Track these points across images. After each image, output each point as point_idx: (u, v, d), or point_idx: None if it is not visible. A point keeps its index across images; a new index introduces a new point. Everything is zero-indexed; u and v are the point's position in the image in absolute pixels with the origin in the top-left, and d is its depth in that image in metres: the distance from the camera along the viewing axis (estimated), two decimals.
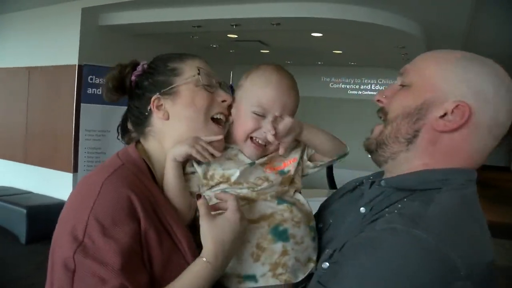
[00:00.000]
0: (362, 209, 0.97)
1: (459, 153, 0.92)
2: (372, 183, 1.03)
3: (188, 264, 1.01)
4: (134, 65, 1.25)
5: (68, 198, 1.06)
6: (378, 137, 0.98)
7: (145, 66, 1.25)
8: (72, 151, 6.12)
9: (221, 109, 1.19)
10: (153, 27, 6.67)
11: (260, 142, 1.15)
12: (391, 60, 8.50)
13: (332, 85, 10.49)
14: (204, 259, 0.99)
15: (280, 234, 1.04)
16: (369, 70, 9.95)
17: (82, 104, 5.13)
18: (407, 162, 0.94)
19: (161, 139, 1.18)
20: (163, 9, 6.09)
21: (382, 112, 0.99)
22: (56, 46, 6.49)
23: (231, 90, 1.28)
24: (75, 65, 6.14)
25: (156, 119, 1.18)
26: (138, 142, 1.24)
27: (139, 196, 1.01)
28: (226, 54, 9.27)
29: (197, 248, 1.04)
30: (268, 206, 1.07)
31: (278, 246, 1.03)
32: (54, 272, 0.95)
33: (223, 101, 1.20)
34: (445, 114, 0.90)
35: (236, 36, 7.40)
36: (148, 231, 0.99)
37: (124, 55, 6.08)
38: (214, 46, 8.55)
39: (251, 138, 1.15)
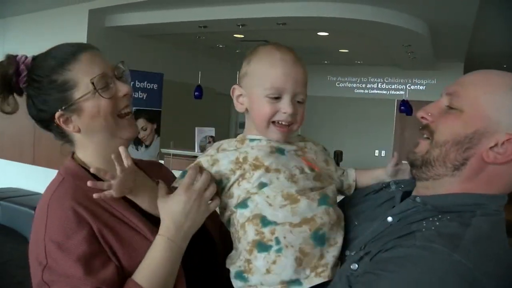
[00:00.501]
0: (390, 219, 0.98)
1: (500, 182, 0.93)
2: (404, 195, 1.04)
3: (149, 240, 1.07)
4: (12, 63, 1.16)
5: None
6: (425, 155, 0.97)
7: (27, 64, 1.16)
8: None
9: (125, 103, 1.18)
10: (159, 28, 6.72)
11: (283, 123, 1.10)
12: (397, 59, 8.50)
13: (338, 84, 10.48)
14: (160, 234, 1.05)
15: (319, 239, 1.02)
16: (375, 69, 9.94)
17: None
18: (449, 185, 0.94)
19: (85, 148, 1.18)
20: (169, 10, 6.12)
21: (428, 130, 0.98)
22: None
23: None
24: None
25: (69, 131, 1.17)
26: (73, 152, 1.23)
27: (83, 203, 1.04)
28: (233, 54, 9.29)
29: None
30: (309, 207, 1.04)
31: (317, 250, 1.02)
32: None
33: (125, 95, 1.17)
34: (496, 145, 0.90)
35: (242, 36, 7.42)
36: (102, 230, 1.03)
37: (131, 56, 6.18)
38: (220, 46, 8.58)
39: (273, 122, 1.11)
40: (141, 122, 5.52)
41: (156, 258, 1.04)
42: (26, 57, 1.16)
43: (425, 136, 0.99)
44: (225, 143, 1.16)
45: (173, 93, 7.50)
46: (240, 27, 6.34)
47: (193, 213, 1.06)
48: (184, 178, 1.08)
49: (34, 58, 1.17)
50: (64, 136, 1.19)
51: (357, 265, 0.92)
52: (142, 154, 5.52)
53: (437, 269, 0.79)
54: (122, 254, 1.04)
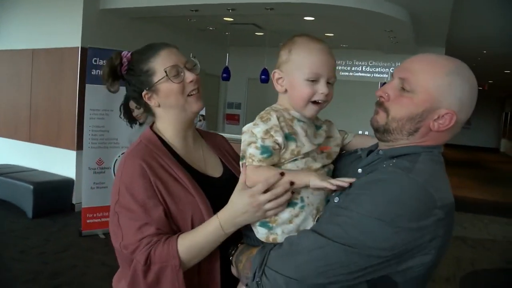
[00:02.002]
0: (360, 170, 1.32)
1: (440, 140, 1.26)
2: (369, 152, 1.37)
3: (192, 195, 1.42)
4: (118, 57, 1.55)
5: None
6: (385, 126, 1.28)
7: (128, 57, 1.55)
8: (76, 129, 6.46)
9: (192, 87, 1.53)
10: (152, 11, 6.93)
11: (320, 101, 1.33)
12: (380, 43, 8.78)
13: None
14: (219, 223, 1.33)
15: (327, 201, 1.32)
16: (359, 52, 10.24)
17: (87, 85, 5.39)
18: (403, 142, 1.28)
19: (163, 119, 1.57)
20: None
21: (382, 108, 1.29)
22: (59, 29, 6.75)
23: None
24: (78, 47, 6.43)
25: (153, 106, 1.55)
26: (153, 122, 1.62)
27: (147, 161, 1.42)
28: (222, 37, 9.51)
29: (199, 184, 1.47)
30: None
31: (326, 210, 1.30)
32: (110, 223, 1.43)
33: (191, 81, 1.52)
34: (438, 118, 1.20)
35: (231, 19, 7.64)
36: (156, 182, 1.39)
37: (125, 38, 6.48)
38: (211, 28, 8.79)
39: (312, 101, 1.33)
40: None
41: (202, 236, 1.34)
42: (128, 53, 1.56)
43: (379, 107, 1.30)
44: (279, 115, 1.33)
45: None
46: (230, 11, 6.58)
47: (248, 215, 1.29)
48: (259, 185, 1.24)
49: (132, 53, 1.56)
50: (149, 110, 1.58)
51: (338, 198, 1.24)
52: (137, 131, 5.76)
53: (400, 183, 1.13)
54: (169, 201, 1.40)
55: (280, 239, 1.27)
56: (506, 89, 19.89)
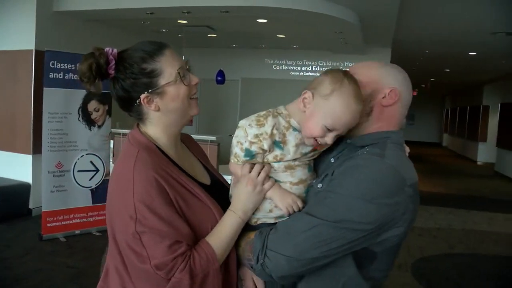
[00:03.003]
0: (332, 160, 1.53)
1: (394, 119, 1.48)
2: (338, 142, 1.56)
3: (209, 207, 1.41)
4: (103, 54, 1.39)
5: (110, 188, 1.38)
6: None
7: (114, 55, 1.40)
8: (32, 133, 6.39)
9: (195, 89, 1.47)
10: (107, 13, 6.91)
11: (320, 143, 1.41)
12: (330, 44, 9.06)
13: (275, 67, 10.92)
14: (231, 210, 1.42)
15: (307, 191, 1.47)
16: (310, 53, 10.49)
17: (44, 88, 5.36)
18: (366, 127, 1.47)
19: (158, 125, 1.45)
20: None
21: None
22: (12, 31, 6.65)
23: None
24: (32, 50, 6.37)
25: (148, 110, 1.42)
26: (137, 125, 1.50)
27: (160, 174, 1.33)
28: (176, 38, 9.55)
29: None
30: (303, 173, 1.47)
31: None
32: (126, 245, 1.29)
33: (196, 83, 1.46)
34: (384, 96, 1.44)
35: (185, 21, 7.72)
36: (176, 197, 1.33)
37: (79, 40, 6.47)
38: (164, 30, 8.83)
39: (314, 138, 1.41)
40: (93, 104, 5.74)
41: (226, 228, 1.38)
42: (113, 50, 1.40)
43: None
44: (277, 124, 1.43)
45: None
46: (186, 14, 6.66)
47: (254, 198, 1.42)
48: (252, 172, 1.42)
49: (121, 51, 1.42)
50: (139, 114, 1.44)
51: (321, 184, 1.43)
52: (95, 133, 5.79)
53: (377, 166, 1.33)
54: (189, 216, 1.35)
55: (260, 221, 1.46)
56: (447, 86, 20.75)
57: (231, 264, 1.45)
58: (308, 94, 1.42)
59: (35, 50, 6.34)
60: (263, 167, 1.44)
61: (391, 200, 1.28)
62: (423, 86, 20.54)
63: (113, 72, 1.40)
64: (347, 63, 9.98)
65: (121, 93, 1.42)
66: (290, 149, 1.43)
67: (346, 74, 1.38)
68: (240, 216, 1.41)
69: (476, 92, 18.30)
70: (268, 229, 1.39)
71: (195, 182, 1.46)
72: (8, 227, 5.98)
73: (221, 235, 1.38)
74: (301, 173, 1.48)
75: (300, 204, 1.42)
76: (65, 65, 5.50)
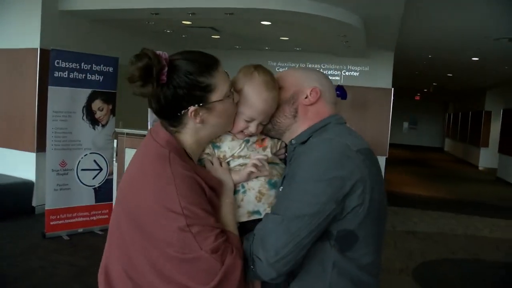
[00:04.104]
0: (287, 163, 1.59)
1: (322, 114, 1.55)
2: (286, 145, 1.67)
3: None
4: (157, 57, 1.34)
5: (137, 187, 1.37)
6: (271, 121, 1.57)
7: (167, 60, 1.36)
8: (36, 131, 6.42)
9: (236, 107, 1.50)
10: (112, 13, 6.94)
11: (247, 134, 1.54)
12: (333, 47, 9.08)
13: (278, 69, 10.85)
14: (227, 200, 1.48)
15: (273, 185, 1.52)
16: (313, 56, 10.48)
17: (49, 87, 5.39)
18: (299, 128, 1.55)
19: (194, 135, 1.45)
20: None
21: None
22: (17, 30, 6.69)
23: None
24: (37, 48, 6.41)
25: (190, 120, 1.41)
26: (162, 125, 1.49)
27: (195, 175, 1.36)
28: (179, 39, 9.59)
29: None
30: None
31: (272, 192, 1.52)
32: (167, 240, 1.28)
33: (237, 102, 1.50)
34: (307, 96, 1.53)
35: (190, 22, 7.75)
36: (211, 196, 1.39)
37: (84, 39, 6.52)
38: (168, 31, 8.85)
39: (242, 131, 1.53)
40: (97, 103, 5.78)
41: (231, 216, 1.45)
42: (164, 54, 1.36)
43: None
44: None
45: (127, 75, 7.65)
46: (190, 15, 6.71)
47: (225, 179, 1.49)
48: (209, 164, 1.52)
49: (172, 59, 1.38)
50: (179, 122, 1.43)
51: (282, 186, 1.48)
52: (99, 133, 5.82)
53: (317, 147, 1.40)
54: (216, 213, 1.40)
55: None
56: (449, 91, 20.77)
57: None
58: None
59: (40, 49, 6.37)
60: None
61: (340, 171, 1.32)
62: (426, 90, 20.58)
63: (165, 78, 1.35)
64: (350, 66, 10.02)
65: (170, 100, 1.38)
66: (228, 144, 1.54)
67: (257, 67, 1.53)
68: (228, 201, 1.47)
69: (478, 97, 18.31)
70: (253, 234, 1.41)
71: (221, 184, 1.50)
72: (11, 225, 6.01)
73: (229, 221, 1.44)
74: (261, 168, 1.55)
75: (258, 161, 1.47)
76: (70, 64, 5.54)
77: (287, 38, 8.97)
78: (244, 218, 1.51)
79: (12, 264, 4.72)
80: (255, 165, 1.46)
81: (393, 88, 9.79)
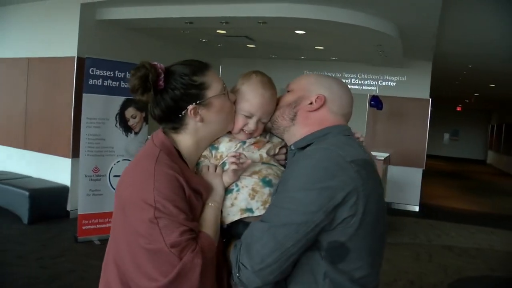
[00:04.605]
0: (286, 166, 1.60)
1: (325, 121, 1.52)
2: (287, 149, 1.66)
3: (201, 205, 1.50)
4: (153, 67, 1.47)
5: (126, 180, 1.46)
6: (272, 119, 1.61)
7: (163, 69, 1.50)
8: (71, 137, 6.58)
9: (233, 105, 1.60)
10: (148, 23, 7.09)
11: (247, 132, 1.59)
12: (369, 57, 8.97)
13: None
14: (207, 204, 1.51)
15: (267, 183, 1.53)
16: (349, 65, 10.39)
17: (84, 94, 5.53)
18: (298, 131, 1.55)
19: (195, 135, 1.54)
20: (158, 6, 6.53)
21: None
22: (56, 39, 6.90)
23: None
24: (74, 57, 6.57)
25: (191, 120, 1.51)
26: (162, 130, 1.58)
27: (179, 173, 1.41)
28: (215, 48, 9.68)
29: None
30: (255, 165, 1.57)
31: (266, 190, 1.53)
32: (138, 230, 1.36)
33: (234, 101, 1.60)
34: (311, 103, 1.52)
35: (224, 31, 7.79)
36: (190, 196, 1.42)
37: (120, 48, 6.66)
38: (204, 40, 8.95)
39: (242, 129, 1.59)
40: (131, 111, 5.87)
41: (206, 217, 1.47)
42: (159, 64, 1.49)
43: None
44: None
45: None
46: (224, 24, 6.76)
47: (213, 183, 1.53)
48: (204, 169, 1.57)
49: (167, 66, 1.53)
50: (180, 124, 1.53)
51: (275, 194, 1.46)
52: (131, 140, 5.91)
53: (311, 156, 1.38)
54: (195, 215, 1.45)
55: (227, 220, 1.54)
56: (492, 102, 20.23)
57: (219, 256, 1.53)
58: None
59: (77, 57, 6.54)
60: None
61: (332, 182, 1.29)
62: (467, 101, 20.09)
63: (163, 84, 1.48)
64: (387, 76, 9.87)
65: (170, 103, 1.49)
66: (225, 145, 1.60)
67: (255, 71, 1.65)
68: (211, 204, 1.51)
69: None
70: (240, 242, 1.41)
71: (205, 186, 1.53)
72: (46, 228, 6.17)
73: (206, 222, 1.47)
74: (254, 166, 1.58)
75: (236, 153, 1.53)
76: (105, 72, 5.67)
77: (323, 48, 8.92)
78: (237, 216, 1.53)
79: (44, 265, 4.84)
80: (233, 162, 1.50)
81: (431, 99, 9.59)
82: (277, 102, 1.62)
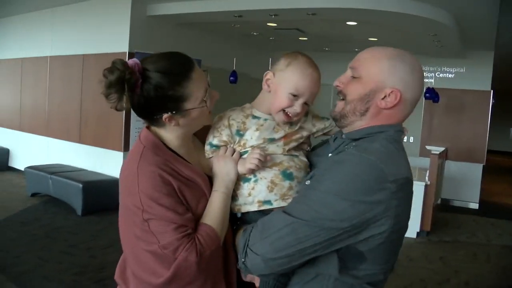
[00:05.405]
0: (330, 155, 1.48)
1: (393, 119, 1.40)
2: (335, 138, 1.53)
3: (205, 193, 1.47)
4: (131, 71, 1.35)
5: (120, 183, 1.46)
6: (342, 111, 1.44)
7: (140, 69, 1.38)
8: (123, 131, 6.72)
9: (214, 102, 1.52)
10: (197, 17, 7.13)
11: (290, 115, 1.52)
12: (425, 47, 8.63)
13: None
14: (216, 190, 1.48)
15: (288, 175, 1.49)
16: None
17: None
18: (359, 124, 1.43)
19: (173, 132, 1.49)
20: (207, 0, 6.55)
21: (342, 94, 1.46)
22: (108, 35, 7.07)
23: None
24: (126, 52, 6.70)
25: (167, 123, 1.45)
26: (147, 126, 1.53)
27: (163, 168, 1.38)
28: (266, 41, 9.62)
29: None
30: (277, 157, 1.52)
31: (286, 183, 1.50)
32: (136, 233, 1.36)
33: (216, 99, 1.53)
34: (384, 96, 1.36)
35: (275, 24, 7.73)
36: (180, 187, 1.39)
37: (170, 43, 6.75)
38: (255, 34, 8.92)
39: (284, 110, 1.51)
40: None
41: (213, 206, 1.45)
42: (137, 64, 1.38)
43: (341, 98, 1.46)
44: (233, 115, 1.58)
45: (210, 78, 7.84)
46: (273, 16, 6.69)
47: (227, 169, 1.50)
48: (220, 151, 1.55)
49: (145, 67, 1.39)
50: (155, 123, 1.47)
51: (309, 181, 1.38)
52: None
53: (353, 161, 1.28)
54: (193, 205, 1.42)
55: (243, 209, 1.52)
56: None
57: (228, 246, 1.51)
58: (269, 74, 1.58)
59: (128, 53, 6.66)
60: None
61: (369, 198, 1.22)
62: None
63: (139, 90, 1.39)
64: (445, 68, 9.49)
65: (142, 106, 1.43)
66: (252, 134, 1.54)
67: (300, 52, 1.57)
68: (222, 191, 1.48)
69: None
70: (251, 226, 1.38)
71: (199, 173, 1.50)
72: (98, 219, 6.34)
73: (211, 213, 1.44)
74: (275, 157, 1.53)
75: (262, 154, 1.47)
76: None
77: (376, 39, 8.67)
78: (255, 207, 1.51)
79: (93, 255, 4.99)
80: (255, 163, 1.46)
81: (492, 91, 9.14)
82: (341, 88, 1.45)
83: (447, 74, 9.55)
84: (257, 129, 1.54)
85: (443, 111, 9.27)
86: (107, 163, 7.13)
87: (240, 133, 1.55)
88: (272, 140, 1.53)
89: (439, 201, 8.24)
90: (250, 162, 1.46)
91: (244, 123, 1.56)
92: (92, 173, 7.14)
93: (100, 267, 4.64)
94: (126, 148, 6.63)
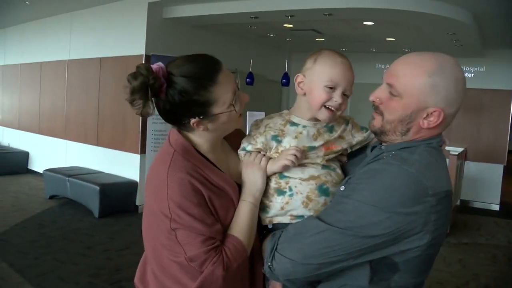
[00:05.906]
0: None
1: (435, 133, 1.35)
2: (373, 147, 1.46)
3: (234, 201, 1.43)
4: (155, 77, 1.33)
5: (146, 187, 1.43)
6: (381, 128, 1.37)
7: (164, 73, 1.35)
8: (140, 134, 6.73)
9: (243, 105, 1.47)
10: (213, 19, 7.12)
11: (332, 108, 1.46)
12: (443, 47, 8.51)
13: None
14: (244, 200, 1.44)
15: (324, 191, 1.45)
16: None
17: None
18: (400, 141, 1.36)
19: (203, 137, 1.45)
20: (223, 2, 6.53)
21: (378, 111, 1.38)
22: (125, 38, 7.10)
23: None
24: (142, 55, 6.71)
25: (196, 128, 1.42)
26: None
27: (193, 175, 1.34)
28: (283, 43, 9.56)
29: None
30: (315, 170, 1.47)
31: (322, 199, 1.44)
32: (162, 242, 1.33)
33: (245, 102, 1.47)
34: (427, 115, 1.29)
35: (291, 25, 7.69)
36: (210, 196, 1.35)
37: (186, 45, 6.74)
38: (271, 35, 8.89)
39: (325, 106, 1.46)
40: None
41: (241, 217, 1.40)
42: (162, 68, 1.35)
43: (377, 113, 1.39)
44: (271, 123, 1.54)
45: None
46: (289, 17, 6.65)
47: (255, 178, 1.46)
48: (250, 158, 1.50)
49: (170, 71, 1.36)
50: (183, 127, 1.44)
51: (344, 187, 1.35)
52: None
53: (392, 173, 1.23)
54: (222, 215, 1.38)
55: (274, 220, 1.47)
56: None
57: (256, 257, 1.47)
58: (300, 77, 1.53)
59: (145, 55, 6.68)
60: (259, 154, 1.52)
61: (407, 210, 1.18)
62: None
63: (164, 95, 1.36)
64: (464, 67, 9.33)
65: (168, 113, 1.41)
66: (290, 141, 1.48)
67: (323, 48, 1.51)
68: (250, 201, 1.44)
69: None
70: (280, 231, 1.35)
71: (228, 181, 1.45)
72: (114, 221, 6.37)
73: (239, 224, 1.40)
74: (314, 170, 1.46)
75: (298, 149, 1.44)
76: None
77: (394, 39, 8.59)
78: (287, 220, 1.46)
79: (109, 257, 5.01)
80: (291, 160, 1.42)
81: None
82: (378, 104, 1.37)
83: (467, 74, 9.39)
84: (296, 137, 1.50)
85: (462, 111, 8.88)
86: (124, 165, 7.15)
87: (277, 139, 1.50)
88: (312, 149, 1.49)
89: (458, 203, 8.10)
90: (286, 158, 1.42)
91: (282, 130, 1.51)
92: (109, 176, 7.18)
93: (116, 269, 4.65)
94: (142, 150, 6.63)
